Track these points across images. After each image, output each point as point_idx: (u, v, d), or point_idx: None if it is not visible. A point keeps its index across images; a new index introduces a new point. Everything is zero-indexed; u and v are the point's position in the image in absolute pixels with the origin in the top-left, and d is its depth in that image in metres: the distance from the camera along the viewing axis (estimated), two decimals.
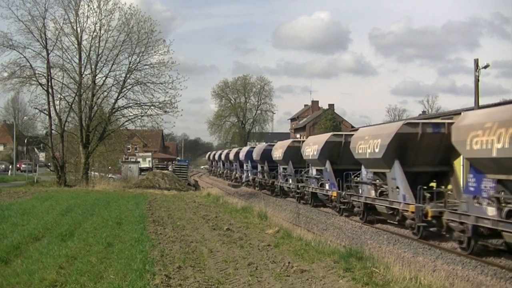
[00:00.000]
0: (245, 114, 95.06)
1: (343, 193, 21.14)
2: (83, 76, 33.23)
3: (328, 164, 22.88)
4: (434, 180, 17.47)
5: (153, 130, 50.08)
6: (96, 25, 32.89)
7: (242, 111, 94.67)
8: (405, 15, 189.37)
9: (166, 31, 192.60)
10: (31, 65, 32.53)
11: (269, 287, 8.15)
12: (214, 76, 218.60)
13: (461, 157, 16.83)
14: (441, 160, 16.63)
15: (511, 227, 11.33)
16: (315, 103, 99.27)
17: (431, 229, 15.50)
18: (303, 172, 27.35)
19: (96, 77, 33.83)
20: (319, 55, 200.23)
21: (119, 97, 34.18)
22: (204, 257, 10.24)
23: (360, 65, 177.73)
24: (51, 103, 33.01)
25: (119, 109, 34.99)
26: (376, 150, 17.13)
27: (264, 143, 50.04)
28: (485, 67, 28.95)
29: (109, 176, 40.13)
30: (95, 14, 32.85)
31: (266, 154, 35.23)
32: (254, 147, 42.75)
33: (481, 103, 29.41)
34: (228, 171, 56.36)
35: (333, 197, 22.34)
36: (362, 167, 19.41)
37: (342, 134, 24.01)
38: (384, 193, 17.82)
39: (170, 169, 48.27)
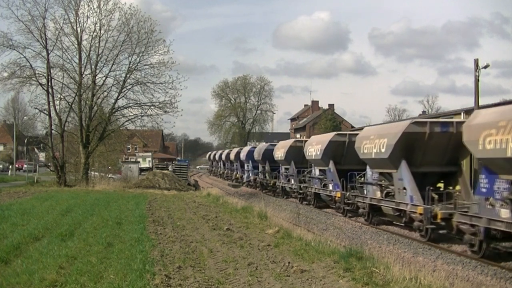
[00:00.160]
0: (245, 114, 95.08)
1: (347, 194, 20.70)
2: (83, 76, 33.25)
3: (331, 164, 22.48)
4: (442, 181, 17.08)
5: (153, 130, 50.11)
6: (96, 25, 32.95)
7: (242, 111, 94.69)
8: (405, 15, 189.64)
9: (166, 31, 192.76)
10: (31, 65, 32.61)
11: (269, 287, 8.15)
12: (214, 76, 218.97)
13: (469, 157, 16.49)
14: (449, 160, 16.27)
15: None
16: (315, 103, 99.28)
17: (440, 231, 14.97)
18: (305, 173, 27.03)
19: (96, 77, 33.87)
20: (319, 55, 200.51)
21: (119, 97, 34.26)
22: (204, 257, 10.24)
23: (360, 65, 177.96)
24: (51, 103, 33.03)
25: (119, 109, 35.03)
26: (382, 150, 16.70)
27: (264, 143, 49.92)
28: (485, 67, 28.94)
29: (109, 176, 40.13)
30: (95, 14, 32.92)
31: (268, 154, 34.90)
32: (255, 147, 42.29)
33: (481, 103, 29.38)
34: (229, 171, 56.00)
35: (337, 198, 21.91)
36: (367, 167, 19.04)
37: (346, 134, 23.47)
38: (390, 194, 17.39)
39: (170, 169, 48.26)
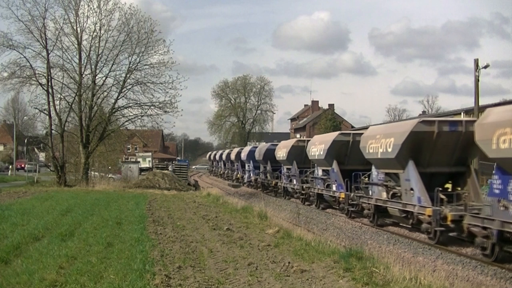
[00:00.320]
0: (245, 114, 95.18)
1: (352, 194, 20.20)
2: (83, 76, 33.24)
3: (335, 164, 22.02)
4: (450, 181, 16.63)
5: (153, 130, 50.15)
6: (96, 25, 32.93)
7: (242, 111, 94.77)
8: (404, 15, 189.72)
9: (166, 31, 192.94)
10: (31, 65, 32.59)
11: (269, 287, 8.15)
12: (214, 76, 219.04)
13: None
14: (457, 160, 15.84)
15: None
16: (315, 103, 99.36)
17: (450, 234, 14.44)
18: (308, 173, 26.60)
19: (96, 77, 33.86)
20: (319, 55, 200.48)
21: (119, 97, 34.23)
22: (204, 257, 10.24)
23: (360, 65, 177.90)
24: (51, 103, 33.01)
25: (119, 109, 35.00)
26: (389, 150, 16.25)
27: (264, 143, 49.77)
28: (485, 67, 28.96)
29: (109, 176, 40.15)
30: (95, 14, 32.90)
31: (269, 154, 34.47)
32: (257, 147, 41.85)
33: (481, 103, 29.38)
34: (229, 171, 55.55)
35: (340, 199, 21.48)
36: (373, 167, 18.60)
37: (350, 133, 22.98)
38: (397, 195, 16.95)
39: (170, 169, 48.28)
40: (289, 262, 9.58)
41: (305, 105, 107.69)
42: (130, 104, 34.52)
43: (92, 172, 37.58)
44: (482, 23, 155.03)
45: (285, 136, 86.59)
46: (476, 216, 12.76)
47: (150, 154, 53.56)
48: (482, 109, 29.76)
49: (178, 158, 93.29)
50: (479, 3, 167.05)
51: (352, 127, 76.37)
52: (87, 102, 33.31)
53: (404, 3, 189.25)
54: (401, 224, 17.44)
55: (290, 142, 30.57)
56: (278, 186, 32.59)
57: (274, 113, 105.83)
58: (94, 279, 8.00)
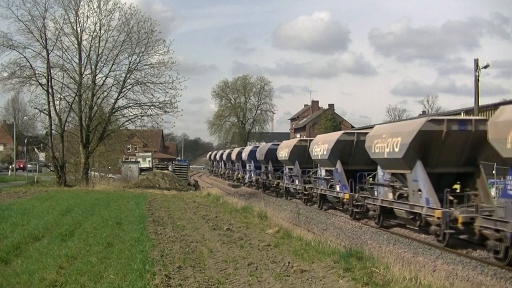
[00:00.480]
0: (245, 114, 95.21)
1: (356, 195, 19.69)
2: (83, 76, 33.23)
3: (339, 164, 21.54)
4: (458, 182, 16.19)
5: (153, 130, 50.15)
6: (96, 25, 32.90)
7: (242, 111, 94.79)
8: (404, 15, 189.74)
9: (166, 31, 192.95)
10: (31, 65, 32.57)
11: (269, 287, 8.15)
12: (214, 76, 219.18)
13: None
14: (466, 160, 15.38)
15: None
16: (315, 103, 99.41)
17: (461, 236, 13.99)
18: (311, 173, 26.24)
19: (96, 77, 33.84)
20: (318, 55, 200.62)
21: (119, 97, 34.21)
22: (204, 257, 10.24)
23: (360, 65, 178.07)
24: (51, 103, 33.00)
25: (119, 109, 34.99)
26: (396, 150, 15.80)
27: (264, 143, 49.58)
28: (485, 67, 29.01)
29: (109, 176, 40.14)
30: (95, 14, 32.88)
31: (271, 154, 34.11)
32: (258, 147, 41.48)
33: (481, 103, 29.46)
34: (230, 172, 55.20)
35: (345, 200, 20.97)
36: (378, 167, 18.16)
37: (354, 133, 22.48)
38: (404, 195, 16.51)
39: (170, 169, 48.26)
40: (289, 262, 9.57)
41: (305, 105, 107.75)
42: (130, 104, 34.56)
43: (92, 172, 37.57)
44: (482, 23, 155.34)
45: (285, 136, 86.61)
46: (489, 218, 12.35)
47: (150, 154, 53.54)
48: (482, 109, 29.86)
49: (178, 158, 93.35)
50: (479, 3, 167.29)
51: (352, 127, 76.39)
52: (87, 102, 33.30)
53: (404, 3, 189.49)
54: (408, 226, 17.06)
55: (292, 141, 30.18)
56: (280, 187, 32.23)
57: (274, 113, 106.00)
58: (94, 279, 8.00)
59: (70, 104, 33.80)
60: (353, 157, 21.57)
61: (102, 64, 33.81)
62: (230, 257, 10.15)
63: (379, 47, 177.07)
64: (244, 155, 44.52)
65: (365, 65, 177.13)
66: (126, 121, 35.60)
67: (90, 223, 14.64)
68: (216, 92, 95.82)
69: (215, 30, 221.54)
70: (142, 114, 34.38)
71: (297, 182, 28.43)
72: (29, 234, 12.14)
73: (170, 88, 33.01)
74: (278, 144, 34.34)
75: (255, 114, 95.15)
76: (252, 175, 41.35)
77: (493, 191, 18.43)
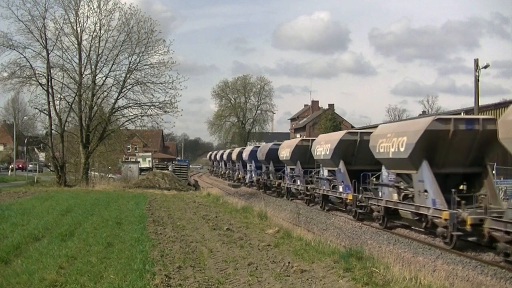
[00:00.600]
0: (245, 114, 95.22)
1: (360, 196, 19.31)
2: (83, 76, 33.24)
3: (341, 165, 21.15)
4: (464, 183, 15.86)
5: (153, 130, 50.15)
6: (96, 25, 32.93)
7: (242, 111, 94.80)
8: (404, 15, 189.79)
9: (166, 31, 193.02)
10: (31, 65, 32.58)
11: (269, 287, 8.15)
12: (214, 76, 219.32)
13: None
14: (473, 160, 15.04)
15: None
16: (315, 103, 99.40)
17: (470, 238, 13.57)
18: (313, 173, 25.91)
19: (96, 77, 33.86)
20: (318, 55, 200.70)
21: (119, 97, 34.23)
22: (204, 257, 10.24)
23: (360, 65, 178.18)
24: (51, 103, 33.01)
25: (119, 109, 35.00)
26: (401, 149, 15.44)
27: (264, 143, 49.43)
28: (485, 67, 29.00)
29: (109, 176, 40.14)
30: (95, 14, 32.90)
31: (272, 154, 33.78)
32: (259, 147, 41.15)
33: (481, 103, 29.48)
34: (230, 172, 54.95)
35: (348, 200, 20.63)
36: (383, 167, 17.80)
37: (357, 132, 22.06)
38: (409, 196, 16.19)
39: (170, 169, 48.25)
40: (289, 262, 9.57)
41: (305, 105, 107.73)
42: (130, 104, 34.58)
43: (92, 172, 37.58)
44: (482, 23, 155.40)
45: (285, 136, 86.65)
46: (499, 220, 12.04)
47: (150, 154, 53.53)
48: (482, 109, 29.88)
49: (178, 158, 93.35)
50: (479, 3, 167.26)
51: (352, 127, 76.34)
52: (87, 102, 33.31)
53: (404, 3, 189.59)
54: (413, 227, 16.83)
55: (294, 141, 29.88)
56: (281, 187, 31.94)
57: (274, 113, 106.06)
58: (94, 279, 8.00)
59: (70, 104, 33.84)
60: (356, 157, 21.25)
61: (102, 64, 33.90)
62: (230, 257, 10.15)
63: (379, 47, 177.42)
64: (245, 155, 44.31)
65: (365, 65, 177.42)
66: (126, 121, 35.68)
67: (90, 223, 14.64)
68: (216, 92, 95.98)
69: (215, 30, 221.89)
70: (142, 114, 34.45)
71: (299, 183, 28.17)
72: (29, 234, 12.14)
73: (170, 88, 33.08)
74: (280, 144, 34.05)
75: (255, 114, 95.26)
76: (253, 175, 41.08)
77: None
